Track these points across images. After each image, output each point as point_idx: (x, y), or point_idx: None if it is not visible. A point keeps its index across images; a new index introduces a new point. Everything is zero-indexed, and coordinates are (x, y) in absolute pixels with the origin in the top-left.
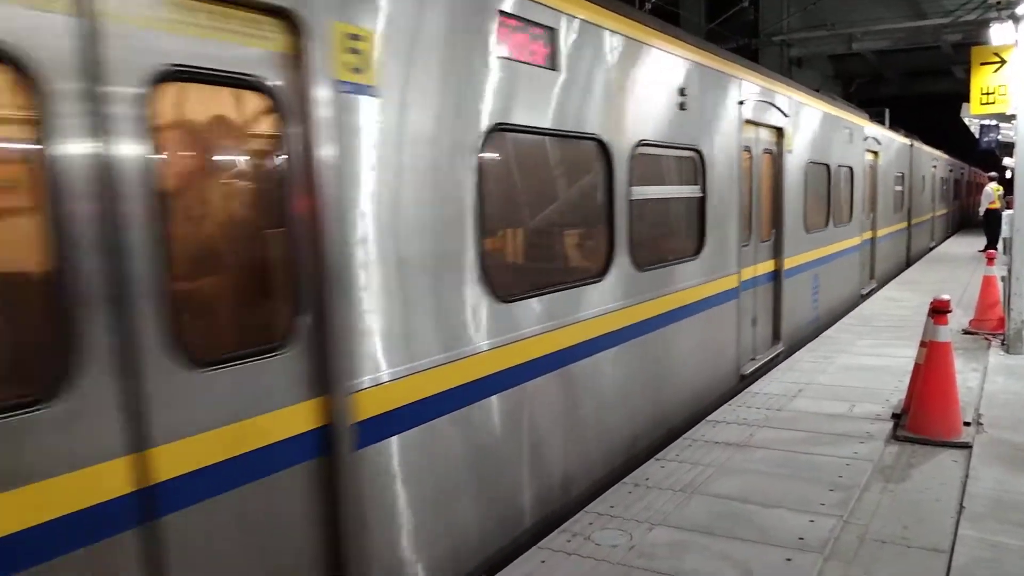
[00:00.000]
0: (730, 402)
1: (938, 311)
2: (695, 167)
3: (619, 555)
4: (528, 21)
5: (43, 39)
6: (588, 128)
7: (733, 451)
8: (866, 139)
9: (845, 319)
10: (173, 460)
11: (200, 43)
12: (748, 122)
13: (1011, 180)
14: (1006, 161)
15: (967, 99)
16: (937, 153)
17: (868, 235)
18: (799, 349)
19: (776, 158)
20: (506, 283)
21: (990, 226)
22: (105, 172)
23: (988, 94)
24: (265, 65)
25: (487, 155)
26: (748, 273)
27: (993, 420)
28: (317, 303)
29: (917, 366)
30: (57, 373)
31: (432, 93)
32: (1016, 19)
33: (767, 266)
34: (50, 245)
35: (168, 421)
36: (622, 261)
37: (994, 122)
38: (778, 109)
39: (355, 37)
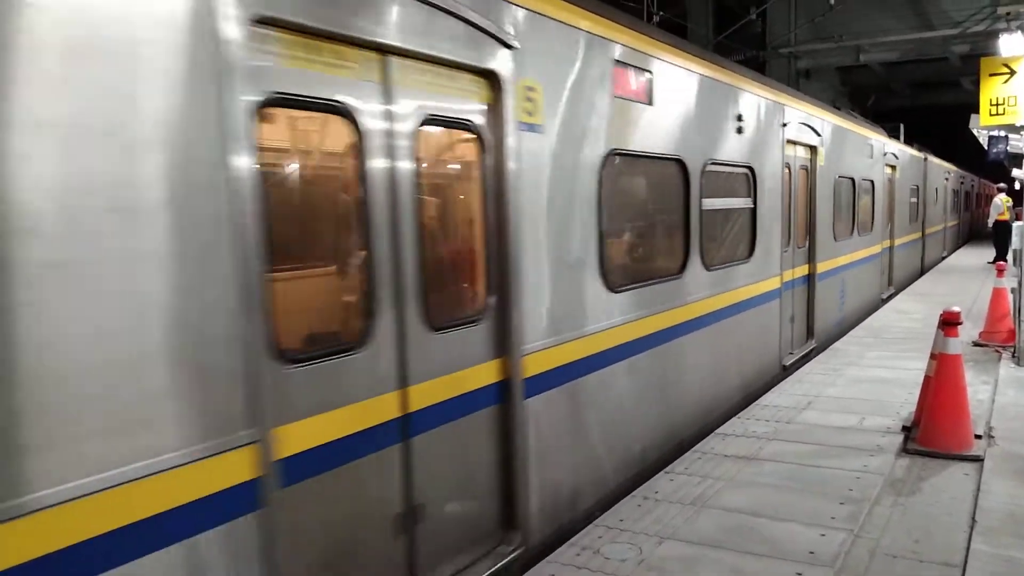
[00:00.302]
0: (739, 415)
1: (948, 323)
2: (748, 182)
3: (628, 569)
4: (633, 66)
5: (361, 98)
6: (672, 150)
7: (742, 464)
8: (885, 155)
9: (855, 331)
10: (419, 397)
11: (446, 99)
12: (789, 142)
13: (1020, 191)
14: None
15: (975, 110)
16: (948, 166)
17: (887, 244)
18: (829, 346)
19: (810, 173)
20: (616, 277)
21: (999, 238)
22: (392, 185)
23: (997, 105)
24: (477, 113)
25: (604, 174)
26: (788, 276)
27: (1004, 433)
28: (501, 288)
29: (927, 378)
30: (365, 330)
31: (572, 127)
32: None
33: (803, 270)
34: (364, 240)
35: (418, 367)
36: (695, 261)
37: (1003, 133)
38: (812, 129)
39: (530, 89)
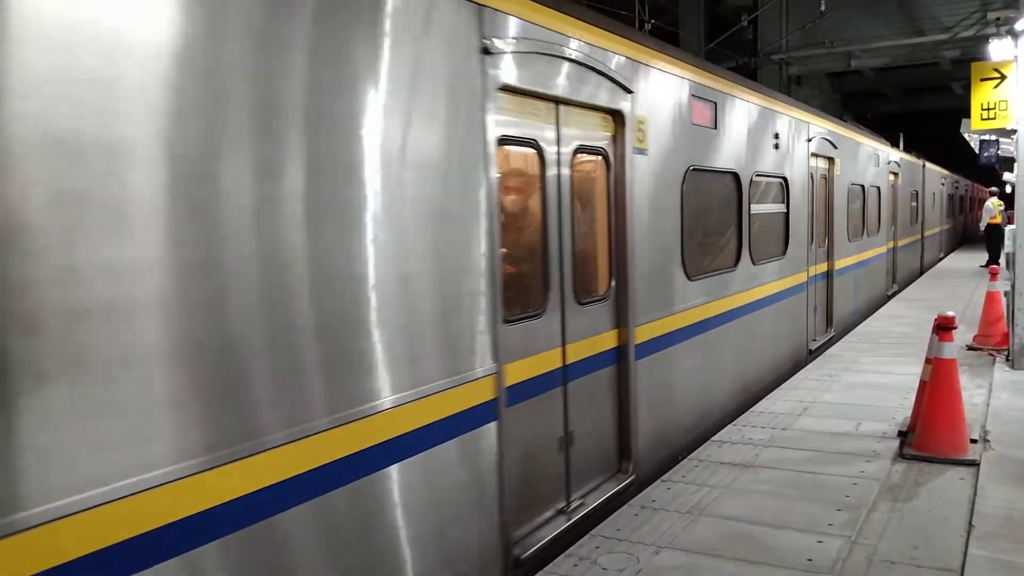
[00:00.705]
0: (735, 422)
1: (943, 328)
2: (782, 190)
3: None
4: (703, 99)
5: (543, 135)
6: (730, 165)
7: (739, 471)
8: (889, 163)
9: (848, 337)
10: (573, 353)
11: (589, 132)
12: (812, 154)
13: (1012, 195)
14: (1006, 176)
15: (966, 115)
16: (944, 172)
17: (891, 245)
18: (845, 334)
19: (828, 182)
20: (692, 268)
21: (992, 241)
22: (558, 196)
23: (988, 109)
24: (607, 141)
25: (685, 186)
26: (812, 271)
27: (1000, 437)
28: (620, 274)
29: (922, 383)
30: (543, 300)
31: (666, 150)
32: (1015, 35)
33: (822, 266)
34: (543, 236)
35: (571, 331)
36: (745, 257)
37: (994, 137)
38: (830, 143)
39: (640, 122)
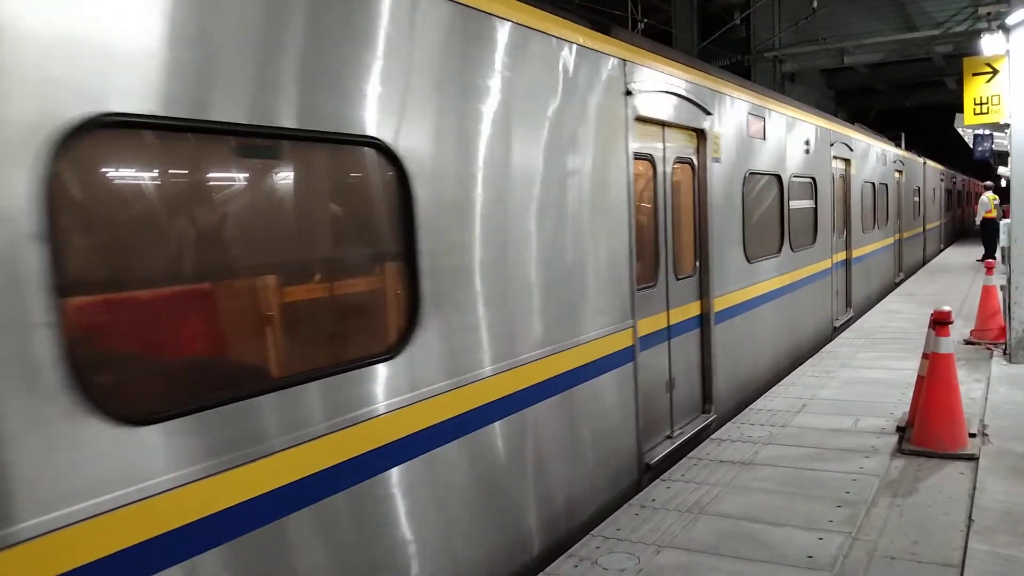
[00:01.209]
0: (734, 419)
1: (939, 323)
2: (812, 188)
3: None
4: (756, 115)
5: (655, 151)
6: (775, 169)
7: (739, 469)
8: (895, 161)
9: (845, 333)
10: (673, 317)
11: (683, 147)
12: (834, 157)
13: (1007, 189)
14: (1001, 170)
15: (960, 109)
16: (942, 168)
17: (897, 236)
18: (863, 314)
19: (846, 180)
20: (750, 253)
21: (987, 235)
22: (664, 196)
23: (981, 104)
24: (693, 153)
25: (745, 187)
26: (835, 259)
27: (998, 431)
28: (702, 256)
29: (920, 378)
30: (655, 275)
31: (732, 158)
32: (1006, 29)
33: (842, 255)
34: (655, 226)
35: (672, 299)
36: (786, 245)
37: (988, 132)
38: (847, 146)
39: (716, 137)
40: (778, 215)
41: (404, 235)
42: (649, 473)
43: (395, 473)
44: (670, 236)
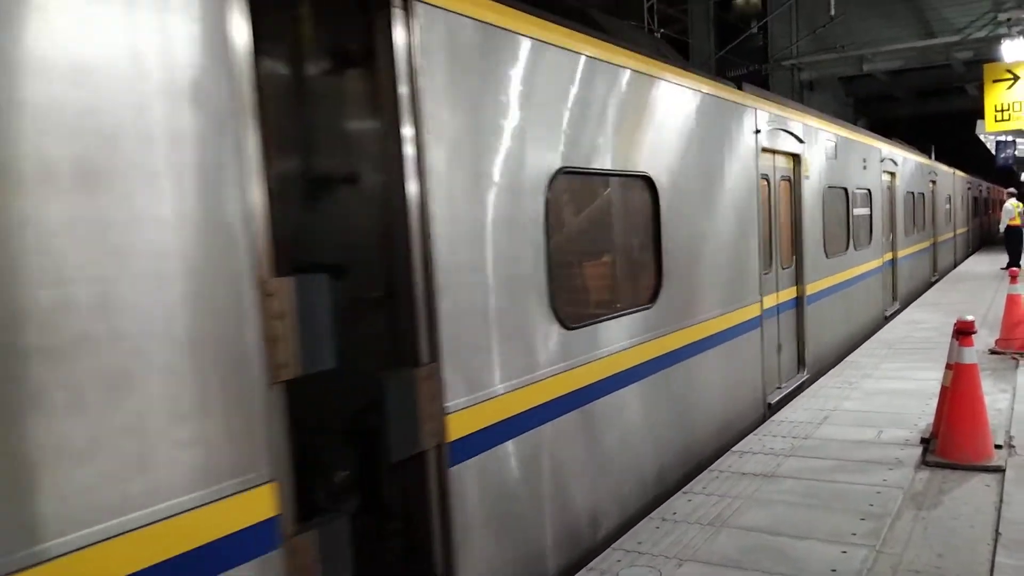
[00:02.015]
0: (755, 431)
1: (962, 332)
2: (869, 198)
3: None
4: (830, 140)
5: (768, 171)
6: (842, 183)
7: (760, 482)
8: (929, 172)
9: (868, 343)
10: (781, 297)
11: (785, 168)
12: (883, 171)
13: None
14: None
15: (981, 116)
16: (970, 177)
17: (932, 240)
18: (908, 306)
19: (892, 191)
20: (828, 251)
21: (1011, 243)
22: (774, 205)
23: (1002, 111)
24: (790, 172)
25: (824, 197)
26: (885, 257)
27: None
28: (797, 252)
29: (944, 389)
30: (769, 263)
31: (815, 176)
32: None
33: (889, 255)
34: (770, 225)
35: (780, 283)
36: (851, 246)
37: (1010, 138)
38: (893, 161)
39: (806, 160)
40: (845, 221)
41: (655, 230)
42: (769, 411)
43: (652, 377)
44: (777, 235)
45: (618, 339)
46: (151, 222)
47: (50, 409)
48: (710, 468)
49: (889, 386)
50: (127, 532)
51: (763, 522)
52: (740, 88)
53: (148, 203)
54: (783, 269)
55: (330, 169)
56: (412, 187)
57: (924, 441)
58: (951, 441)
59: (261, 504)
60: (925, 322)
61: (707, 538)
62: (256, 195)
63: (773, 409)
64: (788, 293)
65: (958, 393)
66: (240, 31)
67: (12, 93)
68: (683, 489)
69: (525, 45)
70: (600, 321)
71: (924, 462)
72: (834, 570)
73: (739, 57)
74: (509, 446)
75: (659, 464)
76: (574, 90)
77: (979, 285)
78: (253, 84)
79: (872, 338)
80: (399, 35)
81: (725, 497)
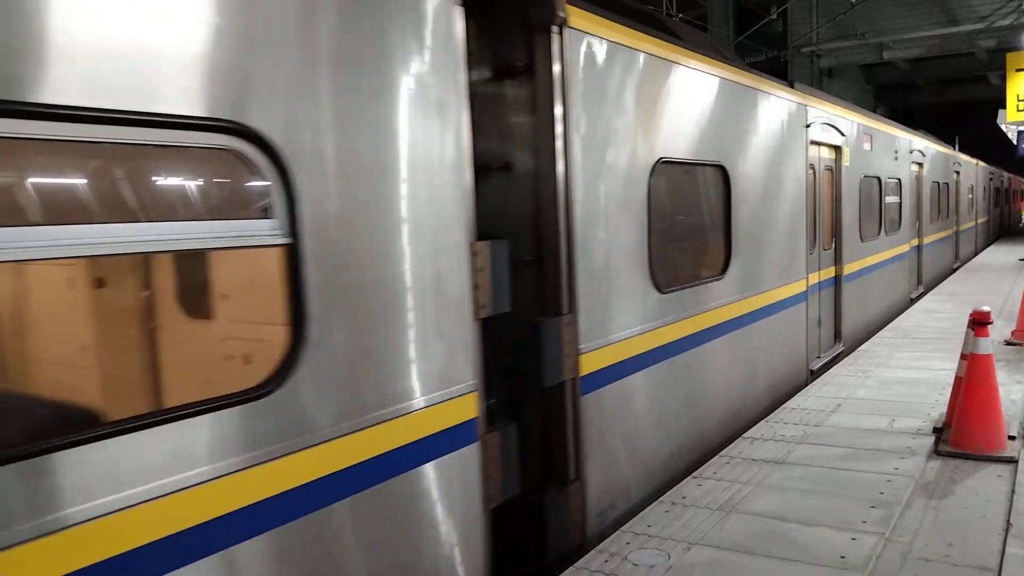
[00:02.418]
0: (767, 419)
1: (978, 323)
2: (899, 187)
3: (657, 575)
4: (867, 133)
5: (815, 161)
6: (876, 173)
7: (771, 468)
8: (954, 164)
9: (883, 332)
10: (822, 276)
11: (828, 159)
12: (912, 162)
13: None
14: None
15: (1003, 105)
16: (992, 168)
17: (955, 229)
18: (929, 290)
19: (920, 180)
20: (863, 235)
21: None
22: (818, 191)
23: None
24: (832, 162)
25: (860, 185)
26: (913, 243)
27: None
28: (837, 235)
29: (958, 379)
30: (813, 244)
31: (854, 166)
32: None
33: (915, 242)
34: (813, 209)
35: (822, 264)
36: (882, 231)
37: None
38: (920, 152)
39: (846, 151)
40: (878, 208)
41: (727, 212)
42: (811, 376)
43: (724, 336)
44: (820, 219)
45: (699, 303)
46: (437, 202)
47: (367, 326)
48: (720, 454)
49: (903, 375)
50: (390, 420)
51: (773, 508)
52: (792, 87)
53: (435, 189)
54: (824, 251)
55: (492, 158)
56: (560, 173)
57: (937, 431)
58: (964, 431)
59: (468, 407)
60: (941, 312)
61: (716, 523)
62: (468, 178)
63: (814, 375)
64: (828, 272)
65: (972, 383)
66: (462, 52)
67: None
68: (693, 474)
69: (640, 58)
70: (687, 287)
71: (936, 451)
72: (843, 556)
73: (758, 44)
74: (624, 382)
75: (731, 409)
76: (673, 94)
77: (996, 276)
78: (467, 92)
79: (887, 327)
80: (555, 52)
81: (735, 483)
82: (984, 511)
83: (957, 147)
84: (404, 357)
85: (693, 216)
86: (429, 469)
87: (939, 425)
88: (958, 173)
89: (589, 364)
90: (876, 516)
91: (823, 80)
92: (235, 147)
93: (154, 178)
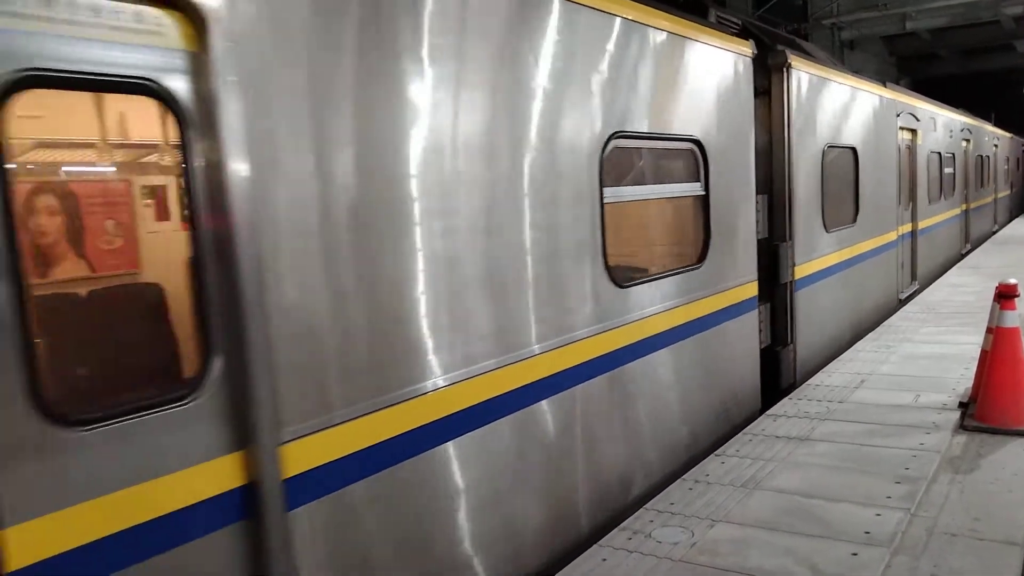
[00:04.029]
0: (790, 395)
1: (1004, 296)
2: (952, 159)
3: (680, 552)
4: (932, 118)
5: (904, 142)
6: (939, 148)
7: (795, 445)
8: (994, 138)
9: (907, 306)
10: (902, 229)
11: (908, 140)
12: (962, 139)
13: None
14: None
15: None
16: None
17: (993, 196)
18: (975, 248)
19: (967, 153)
20: (930, 198)
21: None
22: (904, 162)
23: None
24: (910, 142)
25: (928, 160)
26: (963, 207)
27: None
28: (912, 198)
29: (984, 353)
30: (898, 205)
31: (925, 143)
32: None
33: (964, 206)
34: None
35: (902, 220)
36: (943, 195)
37: None
38: (968, 130)
39: (921, 132)
40: (939, 178)
41: (855, 180)
42: (899, 304)
43: (858, 265)
44: (904, 186)
45: (850, 239)
46: (747, 170)
47: (731, 240)
48: (744, 431)
49: (928, 350)
50: (735, 287)
51: (796, 485)
52: (884, 86)
53: (748, 164)
54: (905, 210)
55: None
56: (786, 152)
57: (962, 405)
58: (990, 405)
59: (753, 289)
60: (966, 286)
61: (739, 500)
62: (753, 156)
63: (902, 303)
64: (906, 227)
65: (998, 357)
66: (751, 84)
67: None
68: (716, 452)
69: (831, 84)
70: (844, 228)
71: (962, 426)
72: (868, 532)
73: (778, 16)
74: (815, 285)
75: (866, 311)
76: (841, 102)
77: (1022, 249)
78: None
79: (912, 301)
80: (788, 85)
81: (758, 460)
82: (1011, 485)
83: (993, 122)
84: (738, 258)
85: (837, 182)
86: (733, 324)
87: (964, 400)
88: (996, 146)
89: (800, 272)
90: (901, 492)
91: (844, 52)
92: (692, 147)
93: (678, 164)
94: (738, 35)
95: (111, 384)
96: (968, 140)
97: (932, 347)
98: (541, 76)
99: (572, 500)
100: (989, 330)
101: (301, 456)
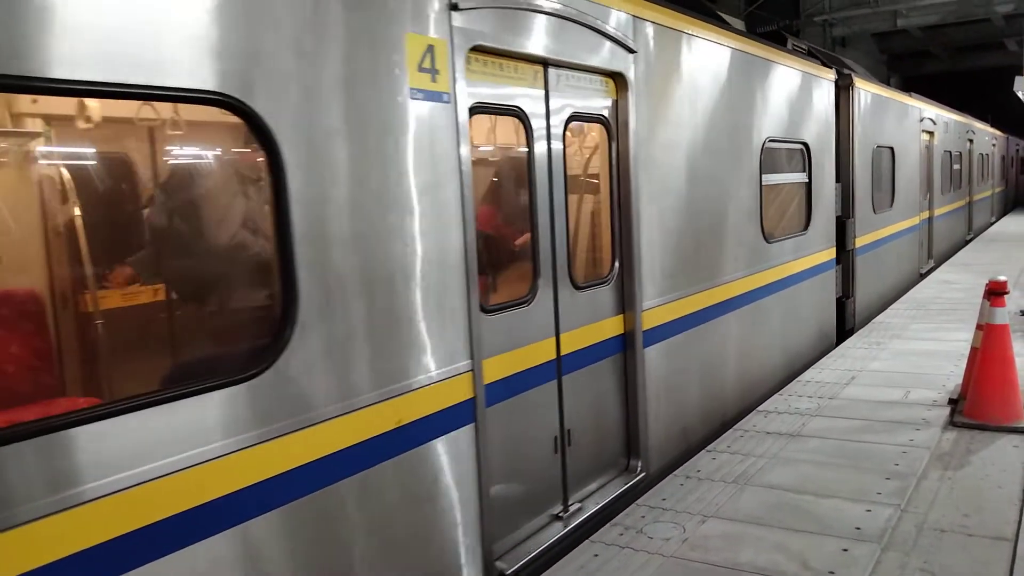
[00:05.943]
0: (781, 391)
1: (994, 292)
2: (961, 157)
3: (672, 548)
4: (946, 121)
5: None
6: (949, 148)
7: (785, 441)
8: (992, 138)
9: (897, 304)
10: (922, 216)
11: (926, 141)
12: (967, 139)
13: None
14: None
15: (1020, 72)
16: (1019, 140)
17: (991, 191)
18: (976, 237)
19: (971, 152)
20: (943, 189)
21: None
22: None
23: None
24: (929, 142)
25: (941, 158)
26: (984, 194)
27: None
28: (931, 190)
29: (974, 350)
30: (966, 189)
31: (940, 143)
32: None
33: (967, 199)
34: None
35: (937, 203)
36: (952, 188)
37: None
38: (971, 132)
39: (935, 134)
40: (950, 173)
41: (892, 173)
42: (919, 278)
43: (892, 242)
44: (924, 180)
45: (884, 221)
46: (830, 160)
47: (829, 217)
48: (735, 427)
49: (918, 347)
50: (813, 254)
51: (787, 481)
52: (910, 95)
53: (830, 159)
54: (924, 199)
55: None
56: (848, 149)
57: (952, 402)
58: (980, 402)
59: (831, 253)
60: (956, 282)
61: (731, 496)
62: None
63: (922, 276)
64: (924, 215)
65: (988, 354)
66: (833, 103)
67: None
68: (707, 447)
69: (879, 97)
70: (880, 213)
71: (952, 423)
72: (858, 528)
73: (769, 13)
74: (869, 253)
75: (903, 276)
76: (894, 115)
77: (1013, 246)
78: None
79: (902, 298)
80: (852, 100)
81: (749, 456)
82: (1000, 481)
83: (991, 122)
84: (826, 228)
85: (881, 175)
86: (824, 276)
87: (954, 396)
88: (995, 146)
89: (858, 243)
90: (891, 487)
91: (836, 50)
92: (801, 147)
93: (795, 159)
94: (823, 64)
95: (598, 273)
96: (971, 140)
97: (922, 344)
98: (735, 101)
99: (750, 377)
100: (979, 327)
101: (651, 319)
